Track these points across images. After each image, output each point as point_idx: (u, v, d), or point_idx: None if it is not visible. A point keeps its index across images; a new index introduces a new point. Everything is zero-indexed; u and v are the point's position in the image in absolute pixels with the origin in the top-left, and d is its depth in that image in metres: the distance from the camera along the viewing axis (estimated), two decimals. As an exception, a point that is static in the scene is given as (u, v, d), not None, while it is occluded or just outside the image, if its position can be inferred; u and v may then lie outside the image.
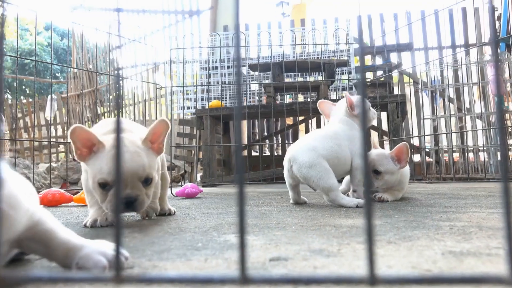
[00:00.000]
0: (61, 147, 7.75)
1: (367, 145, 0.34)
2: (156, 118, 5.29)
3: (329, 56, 4.82)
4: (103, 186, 1.12)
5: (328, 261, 0.72)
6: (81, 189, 2.86)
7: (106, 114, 6.92)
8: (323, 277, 0.28)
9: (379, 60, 5.54)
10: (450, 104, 4.64)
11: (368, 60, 6.31)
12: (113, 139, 1.12)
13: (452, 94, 4.76)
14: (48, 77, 12.85)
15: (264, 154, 5.50)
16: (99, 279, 0.29)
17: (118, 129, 0.33)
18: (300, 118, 5.02)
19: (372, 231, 0.28)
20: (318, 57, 4.75)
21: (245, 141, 5.55)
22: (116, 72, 0.34)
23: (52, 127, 7.02)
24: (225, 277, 0.28)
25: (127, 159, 1.13)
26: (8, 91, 13.91)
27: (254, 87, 5.02)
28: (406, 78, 5.72)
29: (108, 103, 6.78)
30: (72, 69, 7.43)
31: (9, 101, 7.94)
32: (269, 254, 0.79)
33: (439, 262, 0.69)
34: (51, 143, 2.91)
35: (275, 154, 5.46)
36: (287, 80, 4.78)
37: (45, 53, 14.76)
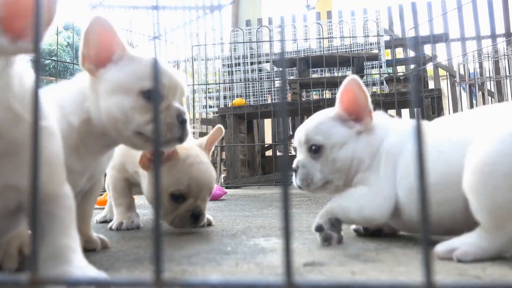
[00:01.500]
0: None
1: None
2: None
3: (358, 50, 4.76)
4: (176, 198, 1.10)
5: (367, 266, 0.71)
6: (103, 191, 2.92)
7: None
8: (376, 284, 0.27)
9: (412, 53, 5.43)
10: (491, 98, 4.50)
11: (399, 52, 6.20)
12: (188, 149, 1.12)
13: (492, 87, 4.62)
14: (68, 77, 13.22)
15: (289, 154, 5.48)
16: (140, 283, 0.30)
17: (156, 138, 0.34)
18: (328, 115, 4.97)
19: (428, 234, 0.27)
20: (346, 51, 4.70)
21: (269, 140, 5.55)
22: (154, 70, 0.35)
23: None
24: (269, 283, 0.28)
25: (203, 170, 1.13)
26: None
27: (279, 83, 5.01)
28: (441, 72, 5.58)
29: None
30: (92, 68, 7.61)
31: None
32: (303, 258, 0.79)
33: (488, 269, 0.67)
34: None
35: (301, 153, 5.44)
36: (313, 76, 4.75)
37: (64, 53, 15.17)
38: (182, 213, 1.11)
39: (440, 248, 0.75)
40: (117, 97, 0.82)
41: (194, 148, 1.17)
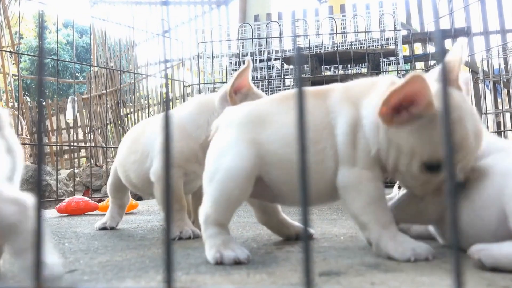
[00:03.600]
0: (82, 152, 8.02)
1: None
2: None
3: (373, 45, 4.74)
4: (433, 167, 0.84)
5: (387, 276, 0.70)
6: (105, 196, 2.95)
7: (129, 115, 7.11)
8: (401, 295, 0.27)
9: (432, 48, 5.39)
10: (517, 96, 4.46)
11: (418, 48, 6.16)
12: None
13: (519, 84, 4.56)
14: (67, 77, 13.36)
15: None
16: (150, 294, 0.30)
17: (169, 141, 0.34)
18: (342, 115, 4.95)
19: (457, 242, 0.27)
20: (361, 47, 4.68)
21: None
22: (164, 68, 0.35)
23: (72, 130, 7.29)
24: (287, 293, 0.28)
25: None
26: (27, 93, 14.57)
27: (289, 82, 5.01)
28: (463, 68, 5.53)
29: (132, 104, 6.95)
30: (92, 68, 7.69)
31: (29, 104, 8.33)
32: (318, 268, 0.78)
33: (518, 279, 0.66)
34: (73, 147, 3.02)
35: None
36: (326, 73, 4.74)
37: (64, 52, 15.33)
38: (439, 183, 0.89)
39: (475, 247, 0.75)
40: (404, 157, 0.84)
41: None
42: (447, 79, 0.85)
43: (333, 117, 0.89)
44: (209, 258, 0.86)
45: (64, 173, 5.49)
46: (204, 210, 0.91)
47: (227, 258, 0.83)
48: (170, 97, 6.48)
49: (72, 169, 4.38)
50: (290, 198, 0.95)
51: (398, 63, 4.66)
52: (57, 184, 2.86)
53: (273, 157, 0.90)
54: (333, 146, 0.87)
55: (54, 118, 7.50)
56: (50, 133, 7.72)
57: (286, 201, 0.99)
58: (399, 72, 4.55)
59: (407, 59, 4.98)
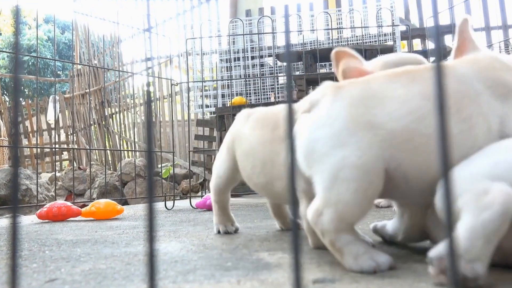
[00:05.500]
0: (65, 154, 7.97)
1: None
2: (172, 119, 5.30)
3: (370, 41, 4.76)
4: None
5: (384, 283, 0.71)
6: (89, 201, 2.94)
7: (114, 115, 7.08)
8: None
9: (431, 44, 5.42)
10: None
11: (417, 44, 6.20)
12: None
13: (521, 82, 4.61)
14: (49, 76, 13.27)
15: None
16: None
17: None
18: (338, 115, 4.97)
19: (453, 244, 0.27)
20: (357, 43, 4.71)
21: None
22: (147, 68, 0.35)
23: (54, 131, 7.24)
24: (276, 301, 0.28)
25: None
26: (5, 92, 14.45)
27: (283, 80, 5.02)
28: (464, 65, 5.57)
29: (118, 103, 6.93)
30: (75, 66, 7.64)
31: (8, 104, 8.27)
32: (312, 275, 0.79)
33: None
34: (55, 149, 3.01)
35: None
36: (321, 71, 4.76)
37: (45, 49, 15.22)
38: None
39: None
40: None
41: None
42: (442, 76, 0.86)
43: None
44: (361, 267, 0.79)
45: (45, 176, 5.45)
46: (332, 214, 0.80)
47: (383, 264, 0.79)
48: (158, 96, 6.46)
49: (54, 173, 4.36)
50: (420, 183, 0.82)
51: (396, 60, 4.68)
52: (37, 189, 2.84)
53: (400, 136, 0.80)
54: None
55: (34, 119, 7.45)
56: (30, 134, 7.67)
57: (414, 191, 0.85)
58: (397, 69, 4.57)
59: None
